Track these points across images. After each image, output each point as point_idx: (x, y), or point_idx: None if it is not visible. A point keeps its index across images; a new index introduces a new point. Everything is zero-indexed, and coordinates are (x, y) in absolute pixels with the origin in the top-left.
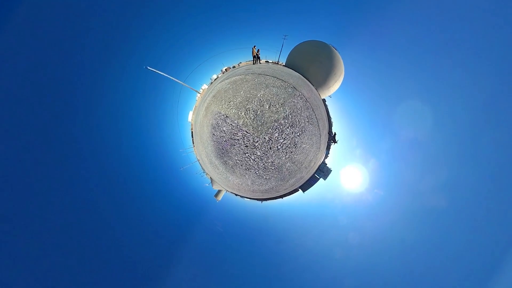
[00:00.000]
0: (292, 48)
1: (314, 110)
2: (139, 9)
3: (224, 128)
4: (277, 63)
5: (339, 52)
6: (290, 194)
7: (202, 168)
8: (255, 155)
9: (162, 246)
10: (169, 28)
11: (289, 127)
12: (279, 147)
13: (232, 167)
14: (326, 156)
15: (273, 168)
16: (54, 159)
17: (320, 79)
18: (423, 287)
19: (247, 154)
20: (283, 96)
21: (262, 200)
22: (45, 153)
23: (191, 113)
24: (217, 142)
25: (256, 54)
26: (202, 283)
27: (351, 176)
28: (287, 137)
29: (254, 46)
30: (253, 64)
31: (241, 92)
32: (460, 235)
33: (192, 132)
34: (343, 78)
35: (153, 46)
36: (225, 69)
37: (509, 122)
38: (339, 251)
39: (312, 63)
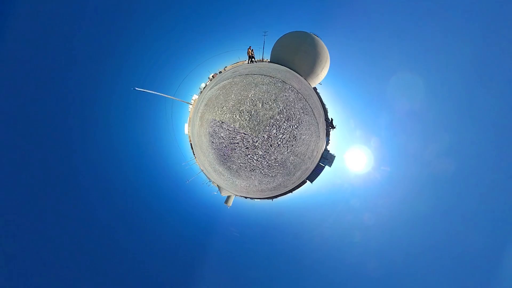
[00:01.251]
0: (274, 43)
1: (307, 100)
2: (117, 33)
3: (222, 134)
4: (262, 60)
5: (321, 39)
6: (299, 187)
7: (208, 178)
8: (257, 155)
9: (183, 262)
10: (151, 44)
11: (286, 121)
12: (279, 142)
13: (236, 171)
14: (327, 143)
15: (277, 164)
16: (61, 196)
17: (307, 68)
18: (446, 254)
19: (249, 156)
20: (274, 92)
21: (272, 198)
22: (48, 188)
23: (186, 126)
24: (217, 149)
25: (251, 54)
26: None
27: (356, 158)
28: (285, 131)
29: (250, 47)
30: (248, 63)
31: (232, 96)
32: (473, 197)
33: (191, 144)
34: (330, 63)
35: (137, 66)
36: (212, 76)
37: (501, 76)
38: (357, 234)
39: (296, 54)
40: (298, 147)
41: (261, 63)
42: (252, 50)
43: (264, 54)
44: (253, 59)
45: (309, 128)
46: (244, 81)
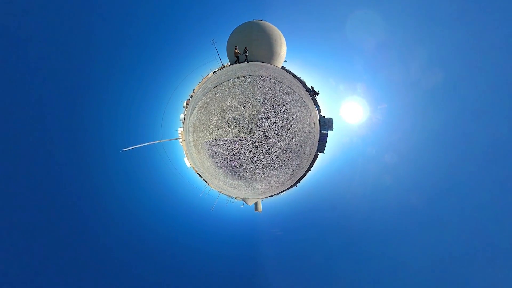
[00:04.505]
0: (226, 45)
1: (281, 81)
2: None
3: (222, 151)
4: (224, 67)
5: (265, 20)
6: (314, 162)
7: (228, 196)
8: (262, 153)
9: (249, 282)
10: (117, 103)
11: (272, 110)
12: (276, 132)
13: (251, 176)
14: (319, 110)
15: (284, 152)
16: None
17: (266, 53)
18: (471, 158)
19: (255, 157)
20: (248, 89)
21: (295, 184)
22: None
23: (186, 159)
24: (224, 167)
25: (245, 53)
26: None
27: (351, 110)
28: (276, 119)
29: (236, 48)
30: (239, 63)
31: (213, 112)
32: (472, 93)
33: (198, 173)
34: (285, 39)
35: (115, 128)
36: (186, 103)
37: None
38: (388, 178)
39: (250, 46)
40: (295, 127)
41: (223, 69)
42: (245, 48)
43: (222, 60)
44: (246, 54)
45: (296, 106)
46: (217, 93)
